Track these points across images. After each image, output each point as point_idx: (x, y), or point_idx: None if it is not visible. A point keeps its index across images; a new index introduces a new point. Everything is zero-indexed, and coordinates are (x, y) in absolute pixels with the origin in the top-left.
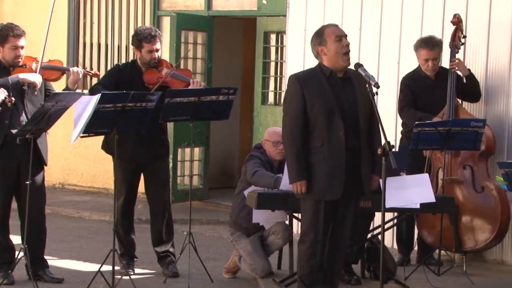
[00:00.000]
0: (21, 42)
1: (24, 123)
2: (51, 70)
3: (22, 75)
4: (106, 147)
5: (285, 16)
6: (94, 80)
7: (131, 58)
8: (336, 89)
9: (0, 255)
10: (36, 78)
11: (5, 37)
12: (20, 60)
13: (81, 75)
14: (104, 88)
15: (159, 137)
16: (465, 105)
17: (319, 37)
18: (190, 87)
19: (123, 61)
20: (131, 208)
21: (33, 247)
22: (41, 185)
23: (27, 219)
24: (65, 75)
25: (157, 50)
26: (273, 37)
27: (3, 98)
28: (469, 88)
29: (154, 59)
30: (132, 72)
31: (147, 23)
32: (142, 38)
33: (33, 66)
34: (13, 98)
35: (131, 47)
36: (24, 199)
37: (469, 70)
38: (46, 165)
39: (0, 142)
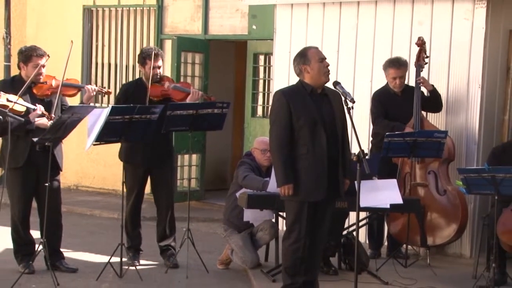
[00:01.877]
0: (43, 61)
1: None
2: (69, 87)
3: (37, 123)
4: (125, 157)
5: (272, 39)
6: (105, 97)
7: (137, 76)
8: (317, 104)
9: (22, 248)
10: (45, 122)
11: (29, 57)
12: (41, 77)
13: (94, 93)
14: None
15: (165, 144)
16: (430, 117)
17: (303, 57)
18: (190, 96)
19: (130, 78)
20: (140, 207)
21: (51, 241)
22: (57, 187)
23: (46, 216)
24: (80, 91)
25: (159, 67)
26: (261, 58)
27: (40, 113)
28: (432, 100)
29: (156, 75)
30: (138, 87)
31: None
32: (146, 56)
33: (53, 83)
34: (53, 115)
35: (137, 66)
36: (43, 199)
37: (432, 85)
38: (61, 171)
39: (27, 152)
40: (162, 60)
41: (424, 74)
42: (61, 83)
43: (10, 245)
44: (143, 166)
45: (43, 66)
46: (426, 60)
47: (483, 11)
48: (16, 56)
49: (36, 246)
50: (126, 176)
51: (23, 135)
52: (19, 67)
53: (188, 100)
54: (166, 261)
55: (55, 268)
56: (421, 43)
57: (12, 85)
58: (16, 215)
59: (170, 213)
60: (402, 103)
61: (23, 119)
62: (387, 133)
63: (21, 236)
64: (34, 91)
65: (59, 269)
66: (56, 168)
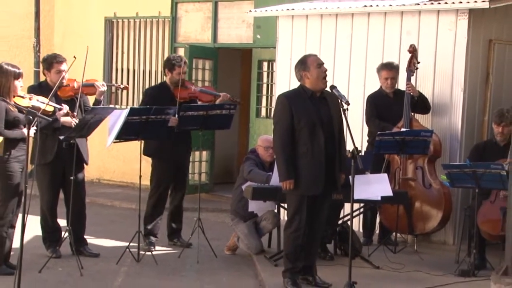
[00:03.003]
0: (63, 66)
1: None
2: (87, 87)
3: (62, 120)
4: (153, 152)
5: (274, 48)
6: (124, 93)
7: (153, 80)
8: (316, 106)
9: (50, 235)
10: (69, 120)
11: (50, 64)
12: (64, 80)
13: (104, 88)
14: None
15: (185, 138)
16: (418, 117)
17: (303, 64)
18: (220, 98)
19: (147, 81)
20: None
21: (76, 229)
22: (82, 180)
23: (71, 207)
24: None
25: (184, 73)
26: (265, 64)
27: (65, 112)
28: (420, 104)
29: (181, 80)
30: (163, 90)
31: (166, 54)
32: (176, 63)
33: (75, 85)
34: (75, 113)
35: (153, 71)
36: (69, 191)
37: (419, 91)
38: (87, 164)
39: (55, 149)
40: (186, 67)
41: (412, 78)
42: (81, 85)
43: (39, 232)
44: (173, 160)
45: (64, 70)
46: (417, 65)
47: (465, 22)
48: None
49: (63, 233)
50: (155, 170)
51: (51, 133)
52: (44, 74)
53: (218, 102)
54: (177, 241)
55: (79, 253)
56: (412, 50)
57: (40, 89)
58: (45, 205)
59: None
60: (393, 105)
61: (50, 119)
62: (378, 132)
63: (49, 224)
64: (59, 93)
65: (82, 254)
66: (81, 163)
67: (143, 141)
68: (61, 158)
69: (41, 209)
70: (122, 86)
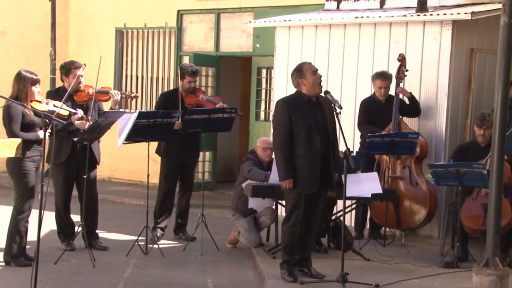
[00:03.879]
0: (80, 71)
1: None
2: (102, 93)
3: (77, 123)
4: (163, 152)
5: (273, 56)
6: (134, 103)
7: (160, 86)
8: (313, 111)
9: (64, 229)
10: (83, 125)
11: (69, 70)
12: (81, 85)
13: (118, 96)
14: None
15: (194, 142)
16: (407, 120)
17: (299, 72)
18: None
19: (154, 87)
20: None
21: (89, 224)
22: (94, 178)
23: (84, 203)
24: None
25: (194, 81)
26: (264, 71)
27: (80, 116)
28: (412, 106)
29: (191, 87)
30: (175, 96)
31: (172, 61)
32: (186, 72)
33: (90, 91)
34: (89, 117)
35: (160, 78)
36: (82, 189)
37: (410, 92)
38: (98, 164)
39: (69, 150)
40: (197, 76)
41: (401, 85)
42: (95, 90)
43: (54, 227)
44: (179, 160)
45: (81, 76)
46: (406, 73)
47: (449, 33)
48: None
49: (76, 228)
50: (163, 169)
51: (66, 135)
52: (62, 80)
53: None
54: (182, 235)
55: (91, 246)
56: (401, 59)
57: (57, 94)
58: (59, 202)
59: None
60: (384, 110)
61: (65, 122)
62: (369, 134)
63: (63, 219)
64: (75, 98)
65: (94, 247)
66: (94, 162)
67: (150, 143)
68: (75, 158)
69: (56, 205)
70: (132, 95)
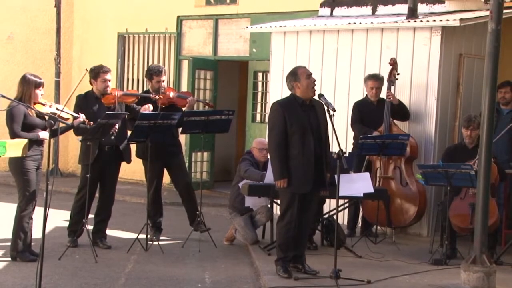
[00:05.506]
0: (108, 76)
1: (113, 136)
2: (129, 96)
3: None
4: (141, 154)
5: (268, 60)
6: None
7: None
8: (307, 113)
9: (74, 226)
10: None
11: (97, 73)
12: (108, 89)
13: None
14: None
15: (173, 140)
16: (397, 123)
17: (294, 75)
18: (187, 104)
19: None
20: (160, 194)
21: (100, 223)
22: (116, 180)
23: (102, 203)
24: (138, 98)
25: (163, 81)
26: (260, 75)
27: (82, 120)
28: (400, 111)
29: (159, 87)
30: (145, 97)
31: (172, 65)
32: (153, 73)
33: (116, 94)
34: (91, 122)
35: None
36: (104, 188)
37: (398, 100)
38: (128, 163)
39: (96, 152)
40: (164, 74)
41: (392, 88)
42: (176, 94)
43: (58, 224)
44: (160, 159)
45: (109, 80)
46: (397, 77)
47: (438, 38)
48: (69, 73)
49: (87, 226)
50: (146, 170)
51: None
52: (90, 83)
53: (186, 107)
54: (196, 227)
55: (95, 244)
56: (393, 63)
57: (86, 98)
58: (80, 201)
59: (191, 193)
60: (376, 112)
61: (69, 123)
62: (361, 136)
63: (76, 216)
64: (103, 100)
65: (98, 245)
66: (120, 163)
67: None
68: (102, 159)
69: (76, 202)
70: (210, 104)
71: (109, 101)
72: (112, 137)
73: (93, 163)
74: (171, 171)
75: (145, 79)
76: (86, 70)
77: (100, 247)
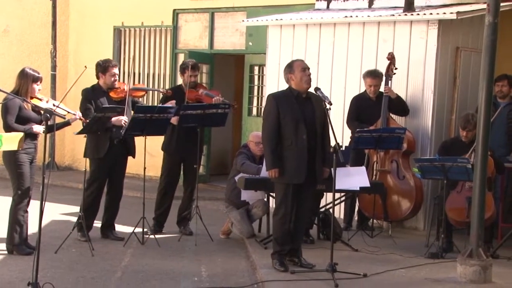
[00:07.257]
0: (116, 70)
1: (122, 130)
2: (138, 90)
3: (114, 120)
4: (164, 147)
5: (265, 53)
6: None
7: (156, 82)
8: (301, 105)
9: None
10: (119, 122)
11: (106, 68)
12: (116, 83)
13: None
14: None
15: (195, 139)
16: (395, 117)
17: (290, 68)
18: (213, 101)
19: (151, 84)
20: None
21: (110, 216)
22: (124, 173)
23: (111, 196)
24: (147, 93)
25: (195, 76)
26: (256, 68)
27: (78, 118)
28: (398, 106)
29: (192, 82)
30: (177, 90)
31: (168, 59)
32: (186, 67)
33: (125, 88)
34: (87, 120)
35: (157, 74)
36: (112, 182)
37: (396, 94)
38: (133, 157)
39: (107, 146)
40: (198, 71)
41: (390, 82)
42: (129, 87)
43: (55, 218)
44: (179, 155)
45: (117, 74)
46: (395, 71)
47: (435, 31)
48: (65, 67)
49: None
50: (164, 162)
51: (103, 132)
52: (97, 77)
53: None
54: (183, 229)
55: (106, 237)
56: (391, 57)
57: (93, 92)
58: (90, 196)
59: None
60: (374, 106)
61: (65, 117)
62: (357, 129)
63: (89, 210)
64: (111, 94)
65: (109, 237)
66: (127, 157)
67: (147, 137)
68: (112, 153)
69: (87, 197)
70: (235, 106)
71: (118, 95)
72: (121, 131)
73: (104, 157)
74: (184, 168)
75: (179, 73)
76: (85, 67)
77: (111, 239)
